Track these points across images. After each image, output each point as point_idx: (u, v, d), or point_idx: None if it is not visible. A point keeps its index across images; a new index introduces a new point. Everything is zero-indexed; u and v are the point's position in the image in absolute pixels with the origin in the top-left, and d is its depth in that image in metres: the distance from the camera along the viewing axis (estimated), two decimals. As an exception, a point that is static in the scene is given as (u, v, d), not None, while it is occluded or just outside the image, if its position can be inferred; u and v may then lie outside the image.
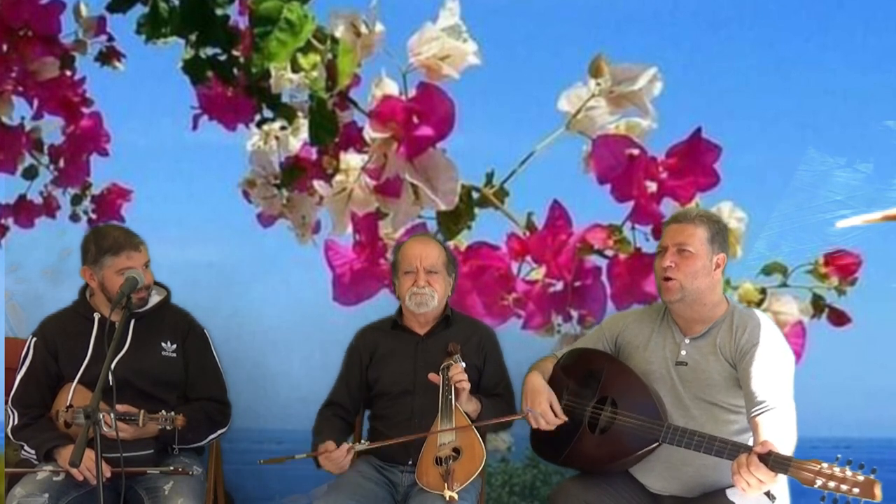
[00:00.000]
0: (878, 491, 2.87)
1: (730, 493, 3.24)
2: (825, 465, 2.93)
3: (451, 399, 3.55)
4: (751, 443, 3.20)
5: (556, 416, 3.49)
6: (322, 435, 3.67)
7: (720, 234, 3.44)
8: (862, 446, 4.28)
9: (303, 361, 4.48)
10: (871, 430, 4.31)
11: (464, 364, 3.60)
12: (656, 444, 3.34)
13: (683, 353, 3.43)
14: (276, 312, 4.52)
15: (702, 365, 3.39)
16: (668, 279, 3.39)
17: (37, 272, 4.56)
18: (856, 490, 2.87)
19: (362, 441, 3.71)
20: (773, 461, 2.98)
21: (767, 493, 3.08)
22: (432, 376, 3.62)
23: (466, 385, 3.56)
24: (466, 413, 3.57)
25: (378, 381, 3.83)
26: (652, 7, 4.35)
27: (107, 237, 3.63)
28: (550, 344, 4.39)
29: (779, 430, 3.11)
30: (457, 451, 3.48)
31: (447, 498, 3.33)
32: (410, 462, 3.66)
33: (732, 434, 3.30)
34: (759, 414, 3.17)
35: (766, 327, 3.37)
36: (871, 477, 2.89)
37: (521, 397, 3.65)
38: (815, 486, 2.92)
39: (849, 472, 2.90)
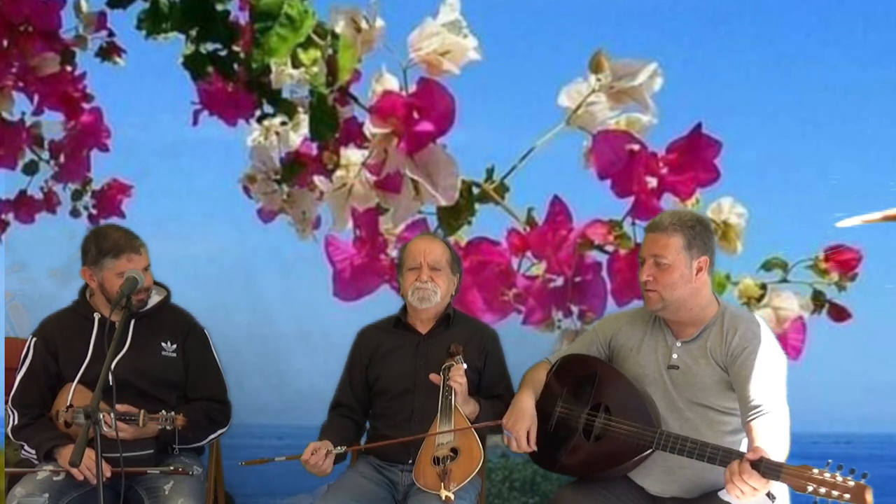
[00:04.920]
0: (868, 496, 2.86)
1: (722, 494, 3.23)
2: (816, 470, 2.92)
3: (451, 399, 3.54)
4: (744, 445, 3.21)
5: (528, 444, 3.46)
6: (323, 437, 3.66)
7: (699, 237, 3.35)
8: (862, 442, 4.30)
9: (303, 357, 4.49)
10: (872, 426, 4.32)
11: (465, 365, 3.59)
12: (650, 450, 3.32)
13: (675, 356, 3.40)
14: (276, 308, 4.54)
15: (693, 369, 3.36)
16: (647, 291, 3.37)
17: (42, 273, 4.57)
18: (846, 496, 2.86)
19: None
20: (764, 467, 2.97)
21: (768, 494, 3.07)
22: (433, 376, 3.60)
23: (458, 387, 3.54)
24: (465, 414, 3.57)
25: (378, 380, 3.82)
26: (652, 2, 4.36)
27: (107, 239, 3.61)
28: (551, 339, 4.40)
29: (773, 435, 3.10)
30: (455, 451, 3.47)
31: (443, 498, 3.33)
32: (410, 461, 3.64)
33: (727, 435, 3.30)
34: (753, 419, 3.16)
35: (757, 329, 3.34)
36: (862, 482, 2.88)
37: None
38: (807, 491, 2.90)
39: (839, 478, 2.88)
